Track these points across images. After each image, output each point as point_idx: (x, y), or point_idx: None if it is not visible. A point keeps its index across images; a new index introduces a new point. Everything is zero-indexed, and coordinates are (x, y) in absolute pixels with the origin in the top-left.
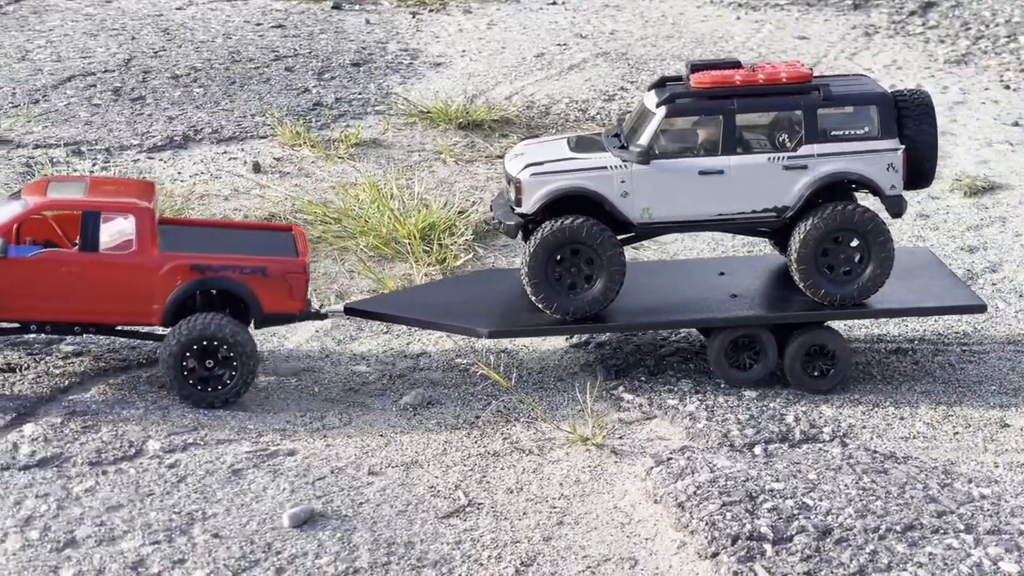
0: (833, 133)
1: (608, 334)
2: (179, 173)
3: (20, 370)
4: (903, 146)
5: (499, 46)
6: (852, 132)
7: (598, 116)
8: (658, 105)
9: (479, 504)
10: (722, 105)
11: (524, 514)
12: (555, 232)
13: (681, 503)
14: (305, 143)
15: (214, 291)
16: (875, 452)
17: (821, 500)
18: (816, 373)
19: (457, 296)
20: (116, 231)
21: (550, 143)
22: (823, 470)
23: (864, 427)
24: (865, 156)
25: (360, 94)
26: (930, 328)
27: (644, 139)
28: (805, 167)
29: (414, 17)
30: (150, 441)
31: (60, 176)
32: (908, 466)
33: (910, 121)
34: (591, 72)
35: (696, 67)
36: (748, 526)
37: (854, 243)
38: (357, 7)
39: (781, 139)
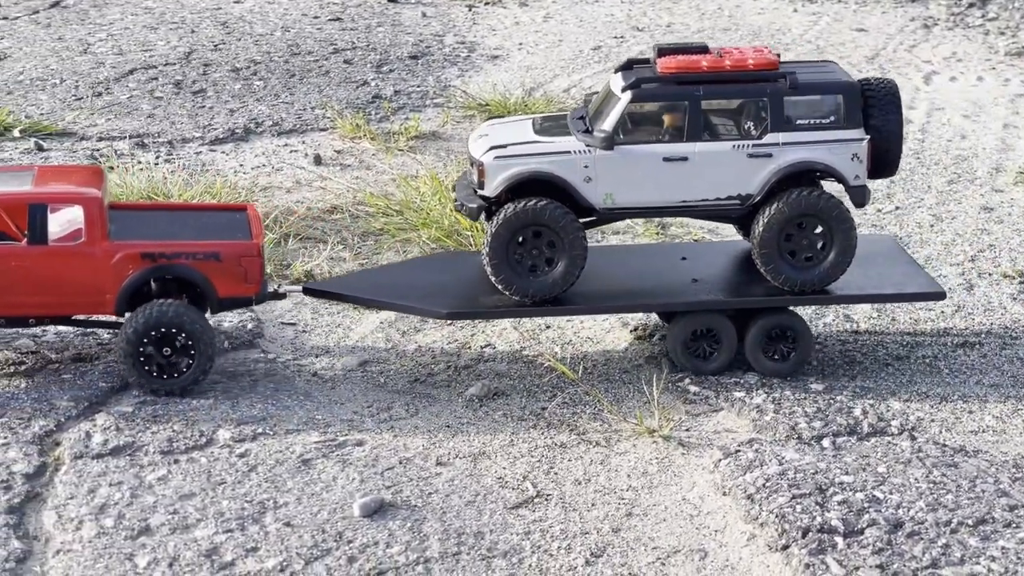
0: (799, 121)
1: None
2: (241, 165)
3: (91, 360)
4: (868, 136)
5: (556, 39)
6: (818, 121)
7: None
8: (623, 90)
9: (547, 495)
10: (687, 91)
11: (592, 505)
12: (518, 214)
13: (750, 495)
14: (365, 136)
15: (168, 278)
16: (944, 446)
17: (891, 493)
18: (777, 356)
19: (418, 277)
20: (66, 221)
21: (515, 124)
22: (892, 463)
23: (932, 421)
24: (830, 145)
25: (419, 87)
26: (997, 322)
27: (608, 124)
28: (770, 155)
29: (470, 10)
30: (220, 431)
31: (6, 166)
32: (978, 460)
33: (876, 111)
34: None
35: (663, 51)
36: (819, 519)
37: (817, 229)
38: (413, 0)
39: (746, 126)
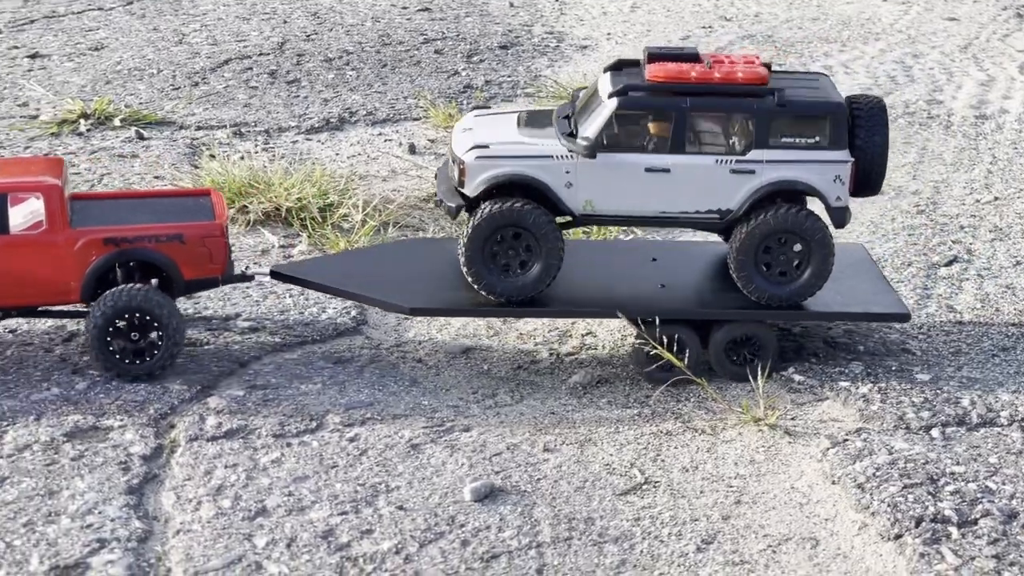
0: (784, 140)
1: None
2: (337, 155)
3: (200, 345)
4: (852, 159)
5: (644, 28)
6: (803, 140)
7: None
8: (610, 96)
9: (655, 482)
10: (674, 103)
11: (701, 492)
12: (503, 212)
13: (860, 484)
14: None
15: (132, 263)
16: None
17: (1004, 484)
18: (740, 361)
19: (388, 266)
20: (29, 212)
21: (500, 118)
22: (1004, 454)
23: None
24: (813, 166)
25: (509, 76)
26: None
27: (592, 131)
28: (753, 172)
29: (557, 0)
30: (329, 415)
31: None
32: None
33: (862, 131)
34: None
35: (654, 56)
36: (931, 508)
37: (796, 247)
38: None
39: (731, 141)
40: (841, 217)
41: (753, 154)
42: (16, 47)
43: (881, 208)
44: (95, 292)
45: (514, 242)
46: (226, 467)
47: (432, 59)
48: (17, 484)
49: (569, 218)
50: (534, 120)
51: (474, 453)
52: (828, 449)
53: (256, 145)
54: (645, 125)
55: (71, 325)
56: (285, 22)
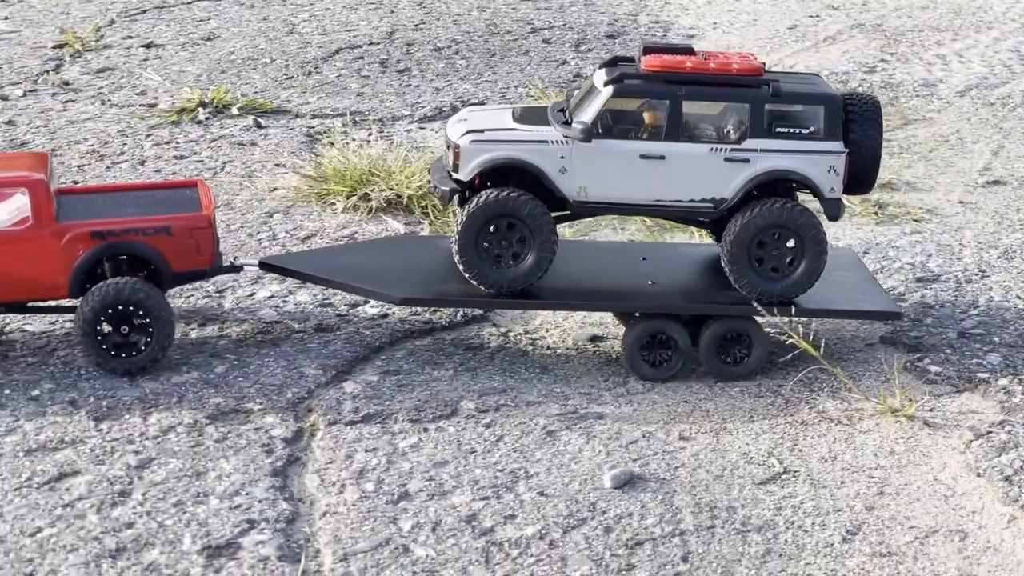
0: (778, 130)
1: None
2: None
3: (333, 330)
4: (847, 150)
5: (750, 18)
6: (797, 131)
7: (860, 88)
8: (605, 84)
9: (794, 472)
10: (669, 90)
11: (842, 483)
12: (498, 201)
13: (1007, 477)
14: None
15: (121, 256)
16: None
17: None
18: (730, 360)
19: (378, 259)
20: (15, 208)
21: (495, 111)
22: None
23: None
24: (808, 156)
25: None
26: None
27: (588, 117)
28: (747, 160)
29: None
30: (464, 401)
31: None
32: None
33: (856, 125)
34: (847, 44)
35: (649, 49)
36: None
37: (790, 243)
38: None
39: (726, 130)
40: (835, 208)
41: (748, 143)
42: (130, 37)
43: (1006, 199)
44: (83, 287)
45: (508, 233)
46: (366, 451)
47: (540, 48)
48: (165, 465)
49: (565, 211)
50: (529, 113)
51: (610, 440)
52: (971, 441)
53: (371, 134)
54: (640, 114)
55: (206, 309)
56: (392, 12)
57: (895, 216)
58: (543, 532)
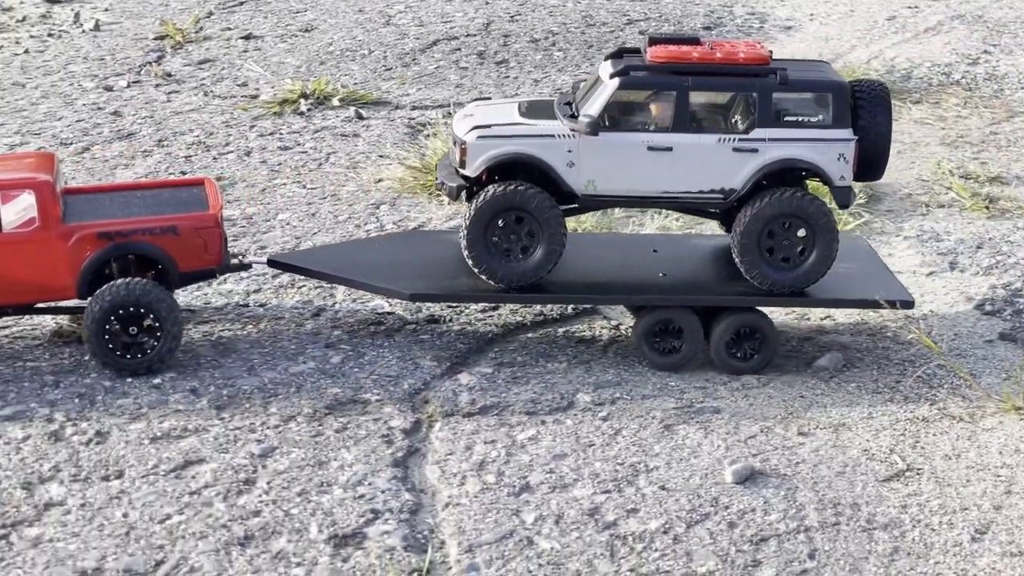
0: (786, 118)
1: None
2: None
3: (444, 322)
4: (856, 137)
5: (847, 9)
6: (806, 119)
7: (963, 80)
8: (612, 76)
9: (918, 469)
10: (676, 81)
11: (967, 481)
12: (506, 195)
13: None
14: None
15: (128, 257)
16: None
17: None
18: (741, 355)
19: (388, 255)
20: (21, 209)
21: (501, 106)
22: None
23: None
24: (817, 144)
25: None
26: None
27: (594, 110)
28: (755, 150)
29: None
30: (579, 394)
31: None
32: None
33: (865, 112)
34: (948, 35)
35: (654, 40)
36: None
37: (800, 233)
38: None
39: (733, 120)
40: (845, 196)
41: (756, 133)
42: (229, 28)
43: None
44: (91, 287)
45: (516, 226)
46: (485, 443)
47: (637, 40)
48: (287, 454)
49: (574, 204)
50: (535, 107)
51: (728, 435)
52: None
53: None
54: (647, 105)
55: (317, 300)
56: (487, 3)
57: (1007, 210)
58: (667, 526)
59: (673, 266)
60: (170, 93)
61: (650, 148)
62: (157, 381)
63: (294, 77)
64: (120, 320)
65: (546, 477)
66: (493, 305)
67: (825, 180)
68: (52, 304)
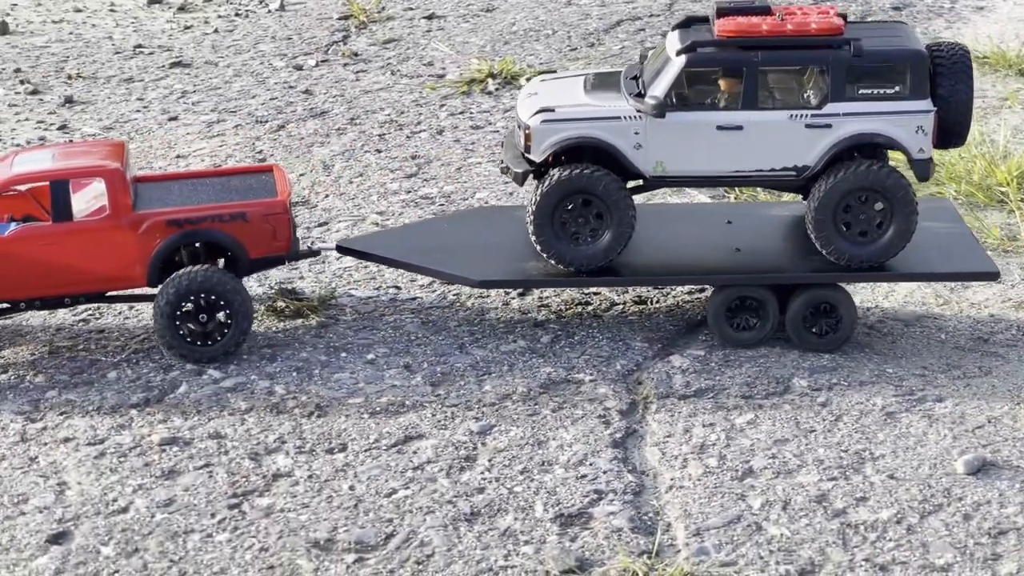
0: (861, 91)
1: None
2: None
3: (651, 303)
4: (935, 108)
5: None
6: (881, 91)
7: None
8: (678, 53)
9: None
10: (745, 57)
11: None
12: (571, 179)
13: None
14: None
15: (198, 244)
16: None
17: None
18: (819, 332)
19: (459, 236)
20: (92, 197)
21: (566, 81)
22: None
23: None
24: (893, 117)
25: None
26: None
27: (660, 90)
28: (829, 126)
29: None
30: (795, 379)
31: (27, 148)
32: None
33: (944, 79)
34: None
35: (723, 11)
36: None
37: (878, 206)
38: None
39: (805, 95)
40: (925, 170)
41: (829, 107)
42: (411, 8)
43: None
44: (161, 275)
45: (584, 209)
46: (703, 426)
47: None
48: (506, 432)
49: (640, 182)
50: (602, 82)
51: (954, 425)
52: None
53: None
54: (716, 82)
55: None
56: None
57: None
58: (899, 516)
59: (748, 239)
60: (358, 72)
61: (720, 127)
62: (371, 356)
63: (479, 56)
64: (189, 308)
65: (769, 462)
66: (700, 287)
67: (904, 153)
68: (123, 293)
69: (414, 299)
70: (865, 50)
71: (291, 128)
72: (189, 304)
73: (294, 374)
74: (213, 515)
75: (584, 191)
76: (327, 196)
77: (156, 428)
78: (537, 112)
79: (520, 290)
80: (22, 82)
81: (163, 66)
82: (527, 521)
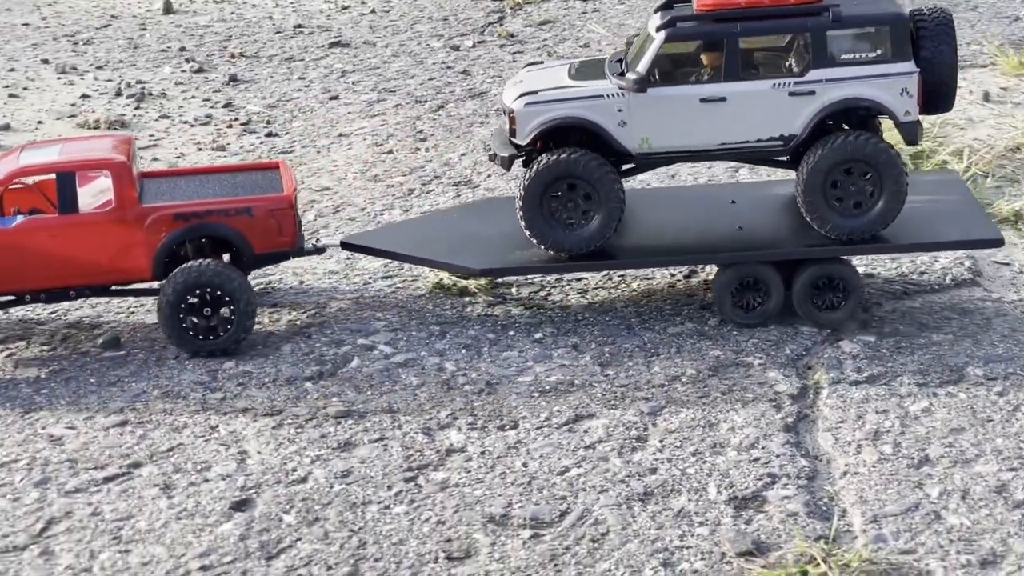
0: (843, 57)
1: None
2: None
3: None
4: (918, 69)
5: None
6: (863, 55)
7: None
8: (658, 29)
9: None
10: (725, 29)
11: None
12: (550, 166)
13: None
14: None
15: (203, 239)
16: None
17: None
18: (826, 306)
19: (460, 227)
20: (98, 190)
21: (551, 69)
22: None
23: None
24: (877, 80)
25: None
26: None
27: (642, 66)
28: (813, 93)
29: None
30: (969, 367)
31: (34, 142)
32: None
33: (927, 42)
34: None
35: None
36: None
37: (866, 175)
38: None
39: (788, 64)
40: (913, 132)
41: (812, 74)
42: None
43: None
44: (166, 269)
45: (571, 194)
46: (876, 412)
47: (990, 4)
48: (676, 413)
49: (632, 164)
50: (587, 67)
51: None
52: None
53: None
54: (697, 56)
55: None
56: None
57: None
58: None
59: (751, 217)
60: (515, 53)
61: (703, 100)
62: (539, 336)
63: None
64: (194, 302)
65: (946, 451)
66: (867, 273)
67: (890, 116)
68: (127, 287)
69: (579, 279)
70: (844, 15)
71: (450, 108)
72: (194, 298)
73: (463, 351)
74: (389, 487)
75: (567, 175)
76: (488, 176)
77: (331, 401)
78: (520, 96)
79: (686, 272)
80: (187, 60)
81: (322, 46)
82: (701, 502)
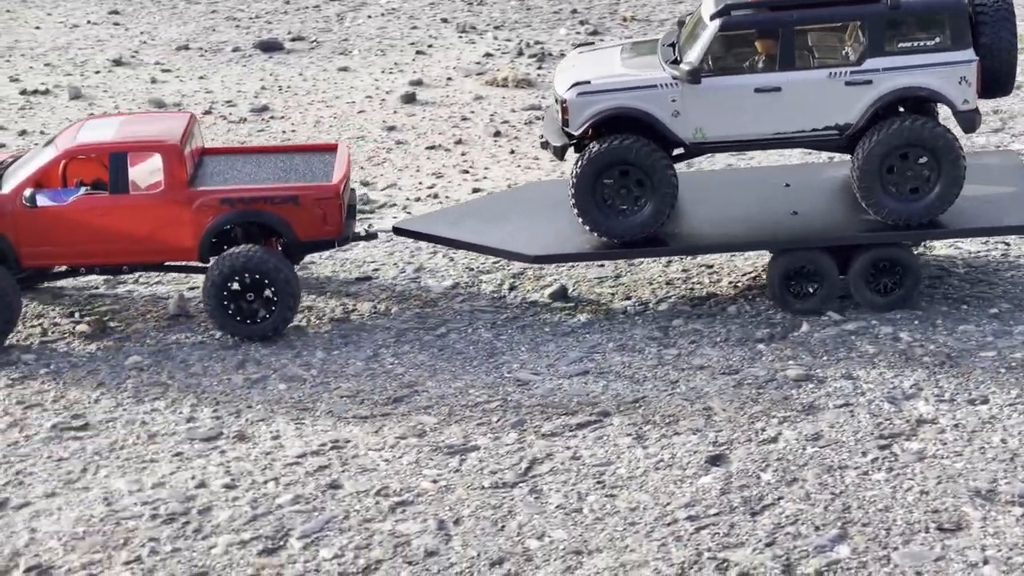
0: (900, 45)
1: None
2: None
3: None
4: (977, 57)
5: None
6: (921, 43)
7: None
8: (712, 17)
9: None
10: (780, 17)
11: None
12: (602, 153)
13: None
14: None
15: (251, 224)
16: None
17: None
18: (883, 290)
19: (514, 212)
20: (155, 167)
21: (602, 53)
22: None
23: None
24: (935, 69)
25: None
26: None
27: (695, 56)
28: (869, 82)
29: None
30: None
31: (97, 116)
32: None
33: (987, 28)
34: None
35: None
36: None
37: (922, 160)
38: None
39: (844, 52)
40: (970, 121)
41: (869, 63)
42: None
43: None
44: (213, 251)
45: (623, 180)
46: None
47: None
48: None
49: (682, 150)
50: (638, 51)
51: None
52: None
53: None
54: (752, 44)
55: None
56: None
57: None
58: None
59: (806, 201)
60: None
61: (757, 90)
62: (994, 311)
63: None
64: (238, 286)
65: None
66: None
67: (948, 105)
68: (181, 264)
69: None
70: (902, 2)
71: None
72: (238, 282)
73: (916, 322)
74: (864, 454)
75: (619, 162)
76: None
77: (787, 364)
78: (573, 85)
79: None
80: (581, 23)
81: None
82: None
